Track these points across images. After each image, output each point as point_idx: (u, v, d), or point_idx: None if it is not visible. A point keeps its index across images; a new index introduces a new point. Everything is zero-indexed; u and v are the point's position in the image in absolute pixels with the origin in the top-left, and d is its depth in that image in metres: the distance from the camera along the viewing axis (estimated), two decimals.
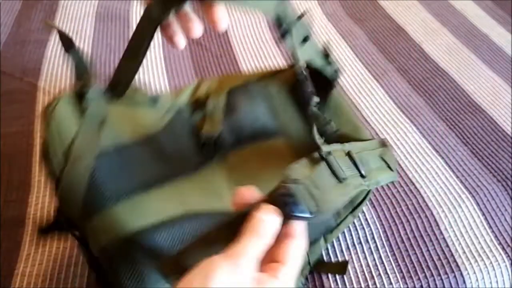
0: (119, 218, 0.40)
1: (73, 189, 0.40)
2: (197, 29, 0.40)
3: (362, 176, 0.41)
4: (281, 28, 0.41)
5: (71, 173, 0.40)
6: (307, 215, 0.34)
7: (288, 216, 0.33)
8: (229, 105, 0.53)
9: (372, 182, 0.43)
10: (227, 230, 0.33)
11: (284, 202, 0.33)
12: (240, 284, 0.29)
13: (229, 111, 0.52)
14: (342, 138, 0.46)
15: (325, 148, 0.40)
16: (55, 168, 0.41)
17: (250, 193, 0.34)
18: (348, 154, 0.42)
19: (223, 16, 0.38)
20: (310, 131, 0.49)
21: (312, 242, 0.50)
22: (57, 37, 0.90)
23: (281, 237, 0.34)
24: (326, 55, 0.50)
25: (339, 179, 0.38)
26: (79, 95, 0.45)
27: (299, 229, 0.34)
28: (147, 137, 0.48)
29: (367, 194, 0.53)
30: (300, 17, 0.44)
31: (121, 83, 0.44)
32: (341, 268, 0.51)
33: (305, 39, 0.45)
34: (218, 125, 0.50)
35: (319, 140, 0.41)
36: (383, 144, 0.50)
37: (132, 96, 0.49)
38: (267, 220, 0.32)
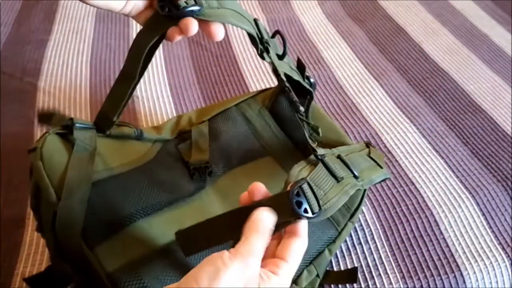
0: (125, 244, 0.41)
1: (71, 221, 0.39)
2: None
3: (355, 176, 0.42)
4: (258, 47, 0.43)
5: (67, 205, 0.40)
6: (312, 215, 0.34)
7: (295, 215, 0.34)
8: (212, 132, 0.55)
9: (366, 181, 0.44)
10: (231, 219, 0.34)
11: (294, 201, 0.34)
12: (249, 282, 0.30)
13: (214, 138, 0.54)
14: (328, 145, 0.48)
15: (319, 151, 0.41)
16: (49, 206, 0.41)
17: (260, 189, 0.35)
18: (339, 157, 0.43)
19: (218, 30, 0.41)
20: (293, 147, 0.53)
21: (317, 255, 0.51)
22: (57, 37, 0.91)
23: (285, 235, 0.34)
24: (301, 69, 0.53)
25: (337, 178, 0.39)
26: (66, 130, 0.46)
27: (303, 228, 0.35)
28: (139, 167, 0.49)
29: (362, 199, 0.54)
30: (274, 35, 0.47)
31: (113, 109, 0.45)
32: (351, 276, 0.51)
33: (281, 56, 0.47)
34: (205, 153, 0.52)
35: (312, 143, 0.41)
36: (367, 145, 0.53)
37: (118, 130, 0.50)
38: (266, 219, 0.33)
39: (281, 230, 0.35)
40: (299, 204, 0.34)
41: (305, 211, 0.34)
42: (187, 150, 0.53)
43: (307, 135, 0.43)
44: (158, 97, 0.77)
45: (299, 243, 0.34)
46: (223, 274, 0.29)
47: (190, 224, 0.36)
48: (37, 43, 0.89)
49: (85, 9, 0.98)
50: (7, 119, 0.72)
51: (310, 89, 0.52)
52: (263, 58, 0.44)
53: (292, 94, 0.43)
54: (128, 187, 0.45)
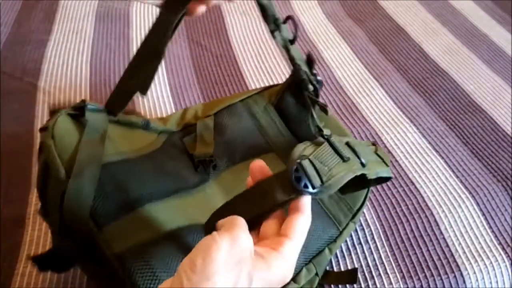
0: (133, 226, 0.41)
1: (80, 200, 0.39)
2: None
3: (362, 164, 0.42)
4: (270, 24, 0.44)
5: (76, 184, 0.40)
6: (315, 190, 0.34)
7: (297, 191, 0.34)
8: (217, 126, 0.55)
9: (372, 172, 0.43)
10: (245, 198, 0.35)
11: (293, 177, 0.34)
12: (243, 255, 0.30)
13: (219, 132, 0.55)
14: None
15: (325, 131, 0.41)
16: (58, 185, 0.40)
17: (262, 167, 0.36)
18: (347, 144, 0.42)
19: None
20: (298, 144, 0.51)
21: (317, 254, 0.51)
22: (57, 37, 0.91)
23: (289, 212, 0.34)
24: (310, 64, 0.52)
25: (343, 158, 0.38)
26: (77, 112, 0.46)
27: (307, 205, 0.35)
28: (146, 154, 0.49)
29: (365, 199, 0.54)
30: (286, 20, 0.47)
31: (139, 86, 0.46)
32: (351, 276, 0.51)
33: (292, 41, 0.47)
34: (210, 146, 0.53)
35: (319, 123, 0.41)
36: (373, 144, 0.52)
37: (126, 117, 0.51)
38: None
39: (283, 207, 0.35)
40: (298, 179, 0.34)
41: (305, 186, 0.34)
42: (192, 143, 0.53)
43: (314, 114, 0.43)
44: (158, 97, 0.77)
45: (302, 220, 0.34)
46: (214, 250, 0.29)
47: (194, 213, 0.35)
48: (37, 43, 0.89)
49: (85, 9, 0.98)
50: (7, 119, 0.72)
51: (317, 85, 0.52)
52: (274, 37, 0.44)
53: (303, 72, 0.43)
54: (136, 172, 0.46)
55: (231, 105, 0.58)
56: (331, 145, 0.39)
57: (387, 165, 0.48)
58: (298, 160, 0.35)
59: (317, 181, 0.34)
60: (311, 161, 0.35)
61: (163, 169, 0.48)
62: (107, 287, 0.44)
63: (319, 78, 0.53)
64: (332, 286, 0.52)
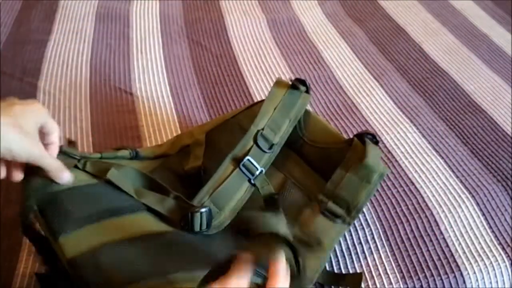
0: (84, 237, 0.42)
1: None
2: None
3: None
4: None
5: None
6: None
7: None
8: (209, 143, 0.59)
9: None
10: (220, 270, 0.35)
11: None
12: None
13: (210, 147, 0.58)
14: (321, 144, 0.56)
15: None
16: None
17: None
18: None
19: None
20: (285, 147, 0.56)
21: None
22: (57, 37, 0.91)
23: (269, 277, 0.35)
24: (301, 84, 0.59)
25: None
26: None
27: (283, 272, 0.35)
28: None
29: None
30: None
31: None
32: (356, 280, 0.51)
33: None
34: (199, 160, 0.56)
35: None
36: (351, 141, 0.56)
37: (111, 154, 0.54)
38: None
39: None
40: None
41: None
42: (185, 161, 0.57)
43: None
44: (158, 97, 0.77)
45: (281, 283, 0.35)
46: None
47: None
48: (37, 43, 0.89)
49: (85, 9, 0.98)
50: None
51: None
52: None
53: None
54: (91, 194, 0.47)
55: (223, 122, 0.60)
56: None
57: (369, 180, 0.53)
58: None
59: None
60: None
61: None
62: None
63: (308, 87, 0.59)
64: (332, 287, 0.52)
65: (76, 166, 0.48)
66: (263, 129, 0.55)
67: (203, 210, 0.47)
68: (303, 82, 0.59)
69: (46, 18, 0.96)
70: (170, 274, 0.39)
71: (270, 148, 0.54)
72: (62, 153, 0.47)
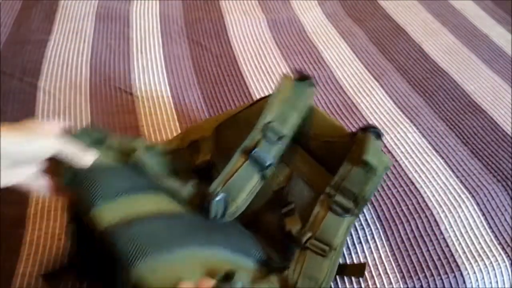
0: (115, 210, 0.44)
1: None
2: None
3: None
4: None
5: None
6: None
7: None
8: (217, 136, 0.60)
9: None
10: None
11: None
12: None
13: (218, 140, 0.59)
14: (325, 138, 0.57)
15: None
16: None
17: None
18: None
19: None
20: (291, 142, 0.58)
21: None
22: (57, 37, 0.91)
23: None
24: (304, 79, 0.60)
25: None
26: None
27: None
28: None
29: None
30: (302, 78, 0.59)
31: None
32: (359, 270, 0.52)
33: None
34: (208, 154, 0.57)
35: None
36: (355, 135, 0.57)
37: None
38: None
39: None
40: None
41: None
42: (195, 156, 0.58)
43: None
44: (158, 97, 0.77)
45: None
46: None
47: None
48: (37, 43, 0.89)
49: (85, 9, 0.98)
50: (7, 119, 0.72)
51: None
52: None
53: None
54: (124, 173, 0.49)
55: (231, 117, 0.61)
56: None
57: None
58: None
59: None
60: None
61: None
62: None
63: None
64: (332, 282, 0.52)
65: (100, 147, 0.50)
66: (271, 122, 0.56)
67: (219, 197, 0.50)
68: (307, 77, 0.60)
69: (46, 18, 0.96)
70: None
71: (278, 139, 0.55)
72: (86, 134, 0.49)
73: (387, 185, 0.62)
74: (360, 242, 0.56)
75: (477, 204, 0.61)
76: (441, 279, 0.53)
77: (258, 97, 0.76)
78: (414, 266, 0.54)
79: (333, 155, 0.56)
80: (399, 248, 0.56)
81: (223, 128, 0.60)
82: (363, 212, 0.59)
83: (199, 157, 0.58)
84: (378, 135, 0.57)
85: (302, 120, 0.58)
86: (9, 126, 0.40)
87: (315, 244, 0.51)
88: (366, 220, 0.58)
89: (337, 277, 0.53)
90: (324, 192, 0.54)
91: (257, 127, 0.55)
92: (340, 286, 0.52)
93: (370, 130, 0.56)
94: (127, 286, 0.39)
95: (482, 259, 0.55)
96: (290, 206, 0.54)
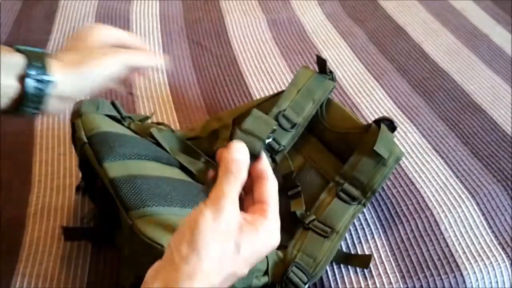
0: (125, 167, 0.46)
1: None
2: None
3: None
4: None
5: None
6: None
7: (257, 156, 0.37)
8: (235, 126, 0.60)
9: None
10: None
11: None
12: (230, 225, 0.31)
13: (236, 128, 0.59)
14: (334, 127, 0.59)
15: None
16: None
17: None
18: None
19: None
20: (306, 131, 0.60)
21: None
22: (57, 37, 0.91)
23: (256, 180, 0.36)
24: (321, 65, 0.61)
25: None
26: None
27: (269, 169, 0.37)
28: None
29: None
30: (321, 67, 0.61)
31: None
32: (365, 261, 0.53)
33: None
34: (227, 140, 0.58)
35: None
36: (369, 126, 0.58)
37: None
38: (238, 159, 0.35)
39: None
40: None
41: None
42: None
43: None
44: (158, 97, 0.77)
45: (271, 184, 0.36)
46: (200, 222, 0.31)
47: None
48: (37, 43, 0.89)
49: (85, 9, 0.98)
50: (7, 119, 0.72)
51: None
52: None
53: None
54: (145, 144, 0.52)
55: (249, 109, 0.61)
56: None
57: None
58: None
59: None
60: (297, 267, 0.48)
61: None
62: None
63: (333, 74, 0.62)
64: (332, 281, 0.52)
65: (121, 123, 0.53)
66: (285, 110, 0.57)
67: None
68: (329, 71, 0.61)
69: (46, 18, 0.96)
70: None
71: (292, 127, 0.57)
72: (113, 105, 0.53)
73: (387, 185, 0.62)
74: (360, 242, 0.56)
75: (477, 204, 0.61)
76: (441, 279, 0.53)
77: (258, 97, 0.77)
78: (414, 266, 0.54)
79: (348, 146, 0.58)
80: (399, 248, 0.56)
81: (242, 119, 0.61)
82: (363, 212, 0.59)
83: (217, 144, 0.59)
84: (393, 127, 0.58)
85: (318, 111, 0.59)
86: (60, 63, 0.42)
87: (317, 225, 0.53)
88: (366, 220, 0.58)
89: (337, 276, 0.53)
90: (334, 180, 0.56)
91: (271, 114, 0.57)
92: (340, 286, 0.52)
93: (384, 122, 0.57)
94: (126, 233, 0.41)
95: (482, 259, 0.55)
96: (296, 189, 0.55)
